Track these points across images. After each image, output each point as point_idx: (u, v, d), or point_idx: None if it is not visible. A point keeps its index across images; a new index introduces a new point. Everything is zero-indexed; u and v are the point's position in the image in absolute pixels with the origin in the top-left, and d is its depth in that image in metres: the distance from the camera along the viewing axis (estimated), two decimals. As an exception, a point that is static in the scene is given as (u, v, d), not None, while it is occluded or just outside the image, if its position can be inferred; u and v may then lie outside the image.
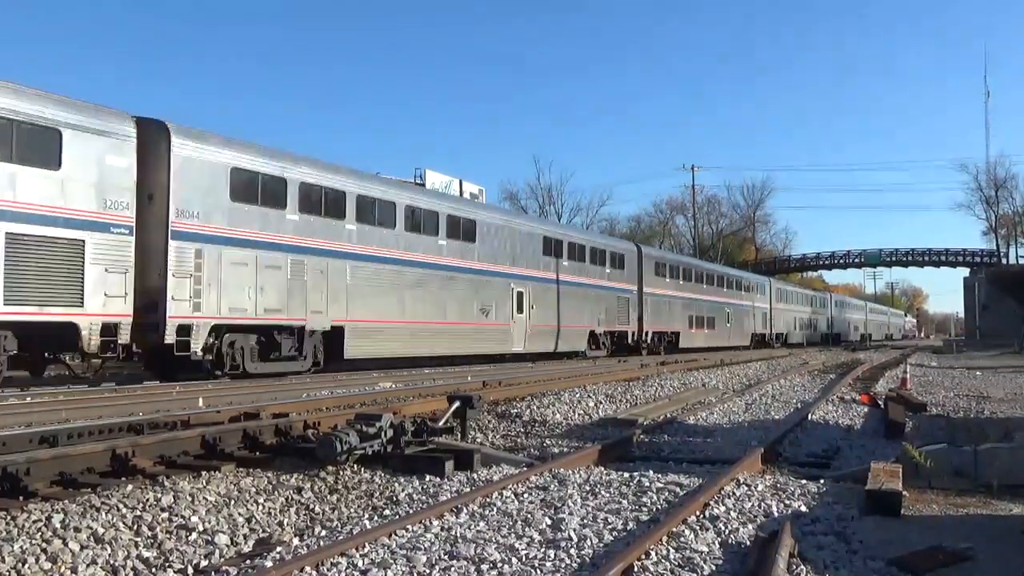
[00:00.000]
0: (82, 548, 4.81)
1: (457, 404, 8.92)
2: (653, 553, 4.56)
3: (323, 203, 19.00)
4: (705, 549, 4.70)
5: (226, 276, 16.41)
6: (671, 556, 4.54)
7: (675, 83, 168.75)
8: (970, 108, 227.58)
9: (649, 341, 36.05)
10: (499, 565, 4.42)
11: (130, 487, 6.07)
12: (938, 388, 18.55)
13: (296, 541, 5.15)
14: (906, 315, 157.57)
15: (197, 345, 15.71)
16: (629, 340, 34.23)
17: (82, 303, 13.74)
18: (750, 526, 5.26)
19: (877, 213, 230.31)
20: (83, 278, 13.76)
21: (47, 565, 4.55)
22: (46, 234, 13.36)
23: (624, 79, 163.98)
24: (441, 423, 8.51)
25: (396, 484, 6.83)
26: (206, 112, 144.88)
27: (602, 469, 7.38)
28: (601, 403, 13.60)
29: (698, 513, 5.55)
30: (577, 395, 14.18)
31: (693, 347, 40.28)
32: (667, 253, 48.03)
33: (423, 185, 28.54)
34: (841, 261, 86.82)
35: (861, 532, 5.21)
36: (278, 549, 4.93)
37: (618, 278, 33.59)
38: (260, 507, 6.04)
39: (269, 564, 4.52)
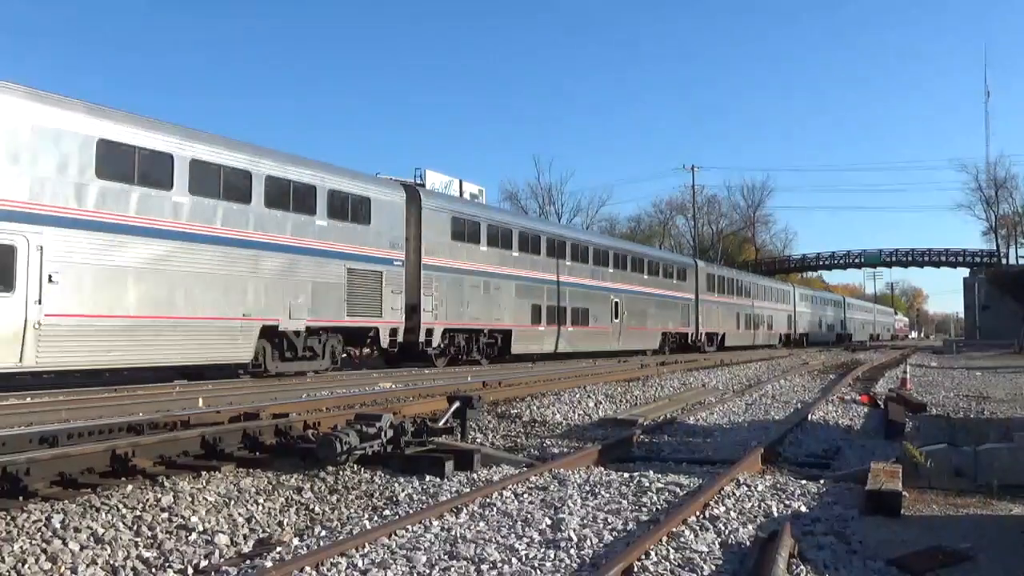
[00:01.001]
0: (82, 548, 4.81)
1: (457, 404, 8.92)
2: (653, 553, 4.56)
3: None
4: (705, 549, 4.70)
5: None
6: (671, 556, 4.54)
7: (675, 83, 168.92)
8: (970, 108, 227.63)
9: (435, 342, 22.51)
10: (499, 565, 4.42)
11: (130, 487, 6.07)
12: (938, 388, 18.55)
13: (296, 541, 5.14)
14: (896, 312, 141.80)
15: None
16: (383, 341, 20.57)
17: None
18: (750, 526, 5.26)
19: (877, 213, 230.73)
20: None
21: (47, 565, 4.56)
22: None
23: (624, 79, 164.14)
24: (441, 423, 8.52)
25: (396, 484, 6.83)
26: (205, 111, 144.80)
27: (602, 469, 7.38)
28: (601, 403, 13.61)
29: (698, 513, 5.55)
30: (577, 395, 14.18)
31: (538, 352, 27.76)
32: (483, 206, 29.53)
33: (423, 186, 28.14)
34: (841, 261, 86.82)
35: (861, 532, 5.21)
36: (278, 549, 4.93)
37: (349, 238, 19.27)
38: (260, 507, 6.04)
39: (269, 564, 4.52)
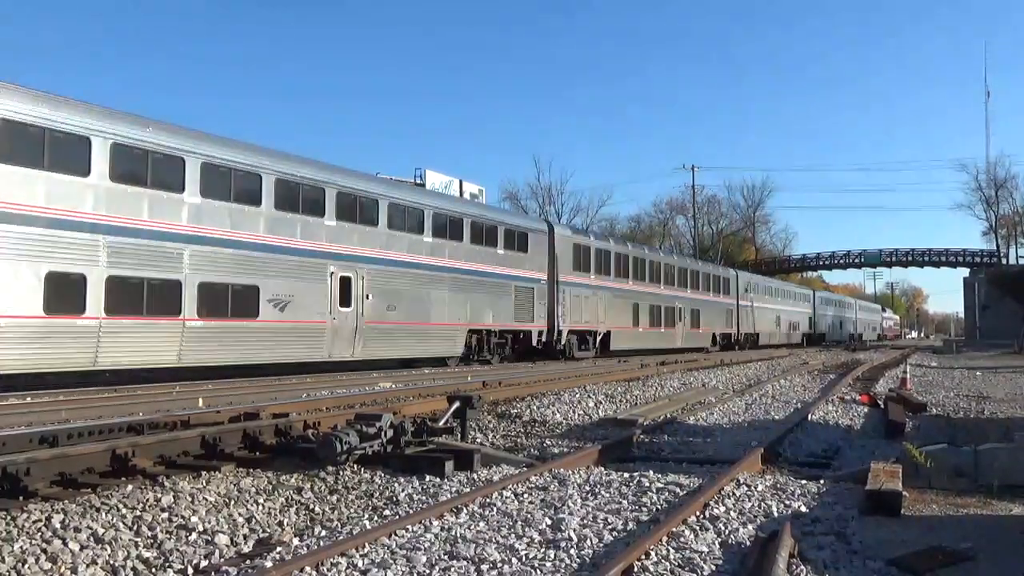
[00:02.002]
0: (82, 548, 4.81)
1: (457, 404, 8.91)
2: (653, 553, 4.56)
3: None
4: (705, 549, 4.70)
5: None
6: (671, 556, 4.54)
7: (675, 83, 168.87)
8: (970, 108, 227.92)
9: None
10: (499, 565, 4.42)
11: (130, 487, 6.07)
12: (938, 388, 18.55)
13: (296, 541, 5.15)
14: (885, 310, 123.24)
15: None
16: None
17: None
18: (750, 526, 5.26)
19: (877, 213, 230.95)
20: None
21: (47, 565, 4.55)
22: None
23: (624, 80, 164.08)
24: (441, 423, 8.51)
25: (396, 484, 6.83)
26: (205, 112, 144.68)
27: (602, 469, 7.38)
28: (601, 403, 13.60)
29: (698, 513, 5.55)
30: (577, 395, 14.18)
31: (69, 368, 14.49)
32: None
33: (423, 185, 28.05)
34: (841, 261, 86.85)
35: (861, 532, 5.21)
36: (278, 549, 4.93)
37: None
38: (260, 507, 6.04)
39: (269, 564, 4.52)
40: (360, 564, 4.41)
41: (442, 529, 5.14)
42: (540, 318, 27.93)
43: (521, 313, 26.89)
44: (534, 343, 27.65)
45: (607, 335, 32.31)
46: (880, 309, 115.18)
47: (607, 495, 6.20)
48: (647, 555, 4.52)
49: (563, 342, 29.08)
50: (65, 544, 4.82)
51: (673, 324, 38.76)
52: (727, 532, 5.09)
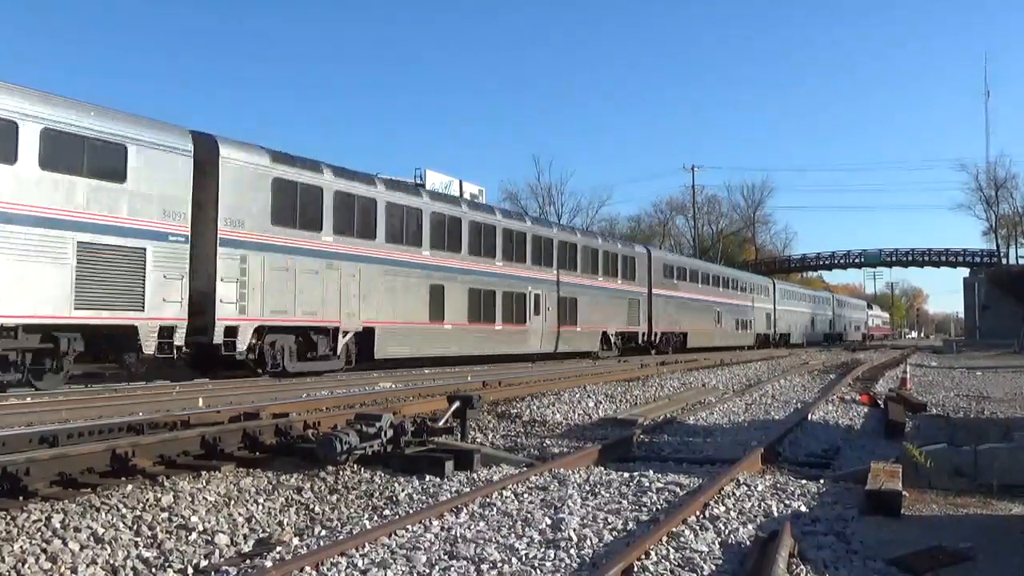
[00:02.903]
0: (82, 548, 4.81)
1: (457, 404, 8.92)
2: (653, 553, 4.56)
3: None
4: (705, 549, 4.70)
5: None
6: (671, 556, 4.54)
7: (676, 83, 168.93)
8: (970, 108, 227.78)
9: None
10: (499, 565, 4.42)
11: (130, 487, 6.07)
12: (938, 388, 18.56)
13: (296, 541, 5.15)
14: (872, 307, 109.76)
15: None
16: None
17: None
18: (750, 526, 5.26)
19: (878, 213, 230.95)
20: None
21: (47, 565, 4.55)
22: None
23: (625, 79, 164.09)
24: (441, 423, 8.52)
25: (396, 484, 6.83)
26: (203, 109, 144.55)
27: (602, 469, 7.38)
28: (601, 403, 13.61)
29: (698, 513, 5.55)
30: (577, 395, 14.18)
31: None
32: None
33: (423, 185, 27.92)
34: (841, 261, 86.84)
35: (861, 532, 5.21)
36: (278, 549, 4.93)
37: None
38: (260, 507, 6.04)
39: (269, 564, 4.52)
40: (360, 564, 4.41)
41: (442, 529, 5.14)
42: (169, 302, 14.85)
43: (107, 293, 13.90)
44: (148, 349, 14.56)
45: (370, 333, 19.99)
46: (866, 306, 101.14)
47: (607, 495, 6.20)
48: (647, 555, 4.52)
49: (246, 344, 16.53)
50: (65, 544, 4.82)
51: (523, 319, 26.40)
52: (727, 532, 5.09)
